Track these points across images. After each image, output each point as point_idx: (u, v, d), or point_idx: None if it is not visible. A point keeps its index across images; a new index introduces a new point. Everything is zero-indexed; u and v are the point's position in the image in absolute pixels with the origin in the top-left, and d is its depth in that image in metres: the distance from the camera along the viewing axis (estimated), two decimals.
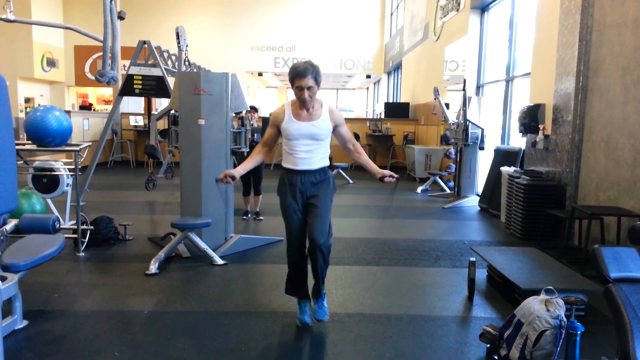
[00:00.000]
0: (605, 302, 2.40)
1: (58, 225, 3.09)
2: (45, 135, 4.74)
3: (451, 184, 9.34)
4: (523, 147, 6.76)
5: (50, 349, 2.89)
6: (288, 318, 3.41)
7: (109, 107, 16.43)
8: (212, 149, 4.78)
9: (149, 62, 5.97)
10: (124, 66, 5.96)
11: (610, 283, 2.36)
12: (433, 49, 11.41)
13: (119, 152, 13.22)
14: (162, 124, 7.93)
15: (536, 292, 2.95)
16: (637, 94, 4.53)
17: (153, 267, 4.28)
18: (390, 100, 17.61)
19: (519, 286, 3.47)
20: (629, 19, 4.68)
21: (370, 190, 9.27)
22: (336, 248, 5.16)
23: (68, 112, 11.07)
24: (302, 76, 2.98)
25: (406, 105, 13.84)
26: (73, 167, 4.91)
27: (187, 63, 6.85)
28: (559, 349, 2.73)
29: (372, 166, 3.28)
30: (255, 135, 6.02)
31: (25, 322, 3.19)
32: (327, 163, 3.21)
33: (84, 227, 4.95)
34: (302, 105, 3.07)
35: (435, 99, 9.07)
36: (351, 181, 10.28)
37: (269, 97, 28.69)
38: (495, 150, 7.69)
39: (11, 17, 4.48)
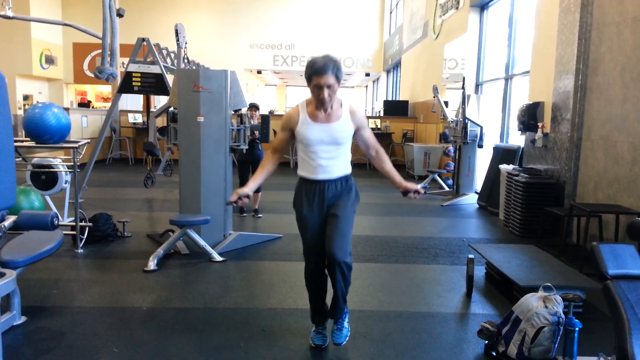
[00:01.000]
0: (603, 299, 2.41)
1: (57, 222, 3.08)
2: (43, 132, 4.73)
3: (450, 181, 9.35)
4: (522, 145, 6.76)
5: (49, 345, 2.89)
6: (286, 315, 3.41)
7: (108, 105, 16.42)
8: (211, 147, 4.78)
9: (148, 60, 5.95)
10: (123, 63, 5.95)
11: (609, 280, 2.37)
12: (432, 47, 11.41)
13: (118, 150, 13.20)
14: (161, 122, 7.92)
15: (534, 289, 2.96)
16: (636, 92, 4.54)
17: (152, 264, 4.29)
18: (390, 98, 17.62)
19: (518, 283, 3.48)
20: (628, 17, 4.68)
21: (370, 188, 9.27)
22: None
23: (67, 109, 11.04)
24: (321, 73, 2.57)
25: (405, 103, 13.84)
26: (72, 164, 4.91)
27: (186, 60, 6.83)
28: (556, 345, 2.74)
29: (396, 178, 2.89)
30: (256, 132, 6.02)
31: (24, 318, 3.19)
32: (349, 170, 2.86)
33: (83, 223, 4.95)
34: (320, 105, 2.70)
35: (434, 97, 9.07)
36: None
37: (268, 95, 28.68)
38: (494, 148, 7.70)
39: (10, 13, 4.48)
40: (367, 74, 19.29)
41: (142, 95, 11.72)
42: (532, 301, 2.81)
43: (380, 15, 17.90)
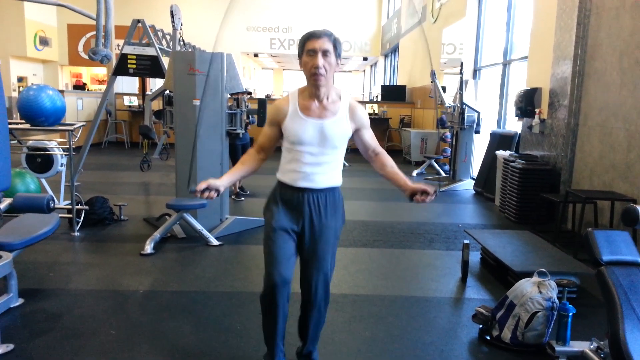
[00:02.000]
0: (597, 284, 2.43)
1: (52, 205, 3.09)
2: (38, 114, 4.69)
3: (447, 167, 9.37)
4: (519, 131, 6.76)
5: (46, 326, 2.91)
6: None
7: (103, 87, 16.27)
8: (207, 130, 4.75)
9: (143, 42, 5.88)
10: (118, 45, 5.87)
11: (602, 266, 2.39)
12: (430, 31, 11.33)
13: (114, 133, 13.13)
14: (157, 105, 7.88)
15: (529, 275, 2.98)
16: (634, 78, 4.53)
17: (148, 247, 4.29)
18: (387, 83, 17.54)
19: (512, 268, 3.51)
20: (627, 2, 4.64)
21: (366, 173, 9.27)
22: None
23: (62, 91, 10.96)
24: (316, 36, 2.16)
25: (403, 88, 13.78)
26: (67, 147, 4.88)
27: (181, 43, 6.76)
28: (550, 330, 2.77)
29: (401, 180, 2.35)
30: (251, 117, 5.98)
31: (21, 300, 3.20)
32: (339, 181, 2.35)
33: (79, 207, 4.94)
34: (314, 84, 2.17)
35: (431, 82, 9.03)
36: (347, 164, 10.28)
37: (264, 79, 28.50)
38: (491, 134, 7.70)
39: None
40: (365, 58, 19.16)
41: (137, 78, 11.63)
42: (526, 286, 2.83)
43: None
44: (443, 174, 9.15)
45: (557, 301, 2.74)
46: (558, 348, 2.65)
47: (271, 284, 2.20)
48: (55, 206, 3.22)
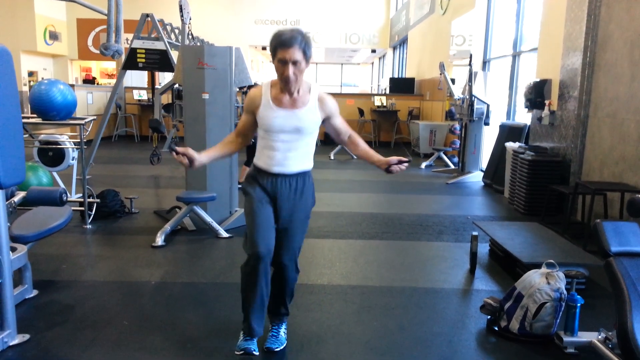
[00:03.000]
0: (605, 275, 2.44)
1: (65, 198, 3.13)
2: (50, 108, 4.75)
3: (455, 159, 9.34)
4: (528, 122, 6.72)
5: (60, 318, 2.97)
6: None
7: (113, 81, 16.37)
8: (216, 124, 4.78)
9: (152, 36, 5.92)
10: (127, 39, 5.91)
11: (611, 257, 2.40)
12: (439, 23, 11.25)
13: (123, 126, 13.22)
14: (166, 98, 7.92)
15: (537, 266, 2.99)
16: None
17: (159, 240, 4.34)
18: (396, 76, 17.46)
19: (521, 260, 3.51)
20: None
21: (372, 166, 9.28)
22: (340, 222, 5.21)
23: (72, 85, 11.04)
24: (287, 45, 2.28)
25: (411, 80, 13.72)
26: (78, 140, 4.94)
27: (190, 36, 6.78)
28: (558, 320, 2.78)
29: (374, 156, 2.59)
30: None
31: (35, 292, 3.26)
32: (309, 166, 2.54)
33: (91, 200, 5.01)
34: (285, 86, 2.38)
35: (440, 74, 8.99)
36: (355, 156, 10.27)
37: (272, 72, 28.46)
38: (500, 125, 7.66)
39: None
40: (373, 51, 19.07)
41: (146, 72, 11.69)
42: (534, 277, 2.84)
43: None
44: (452, 166, 9.12)
45: (565, 292, 2.75)
46: (566, 339, 2.66)
47: (256, 251, 2.38)
48: (68, 199, 3.27)
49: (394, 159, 2.49)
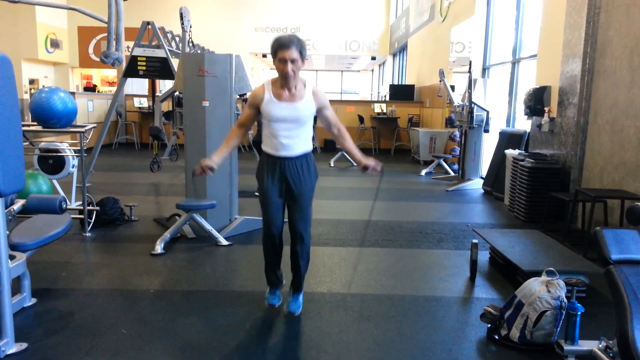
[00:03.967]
0: (606, 283, 2.42)
1: (65, 206, 3.13)
2: (50, 116, 4.75)
3: (455, 166, 9.34)
4: (528, 129, 6.73)
5: (59, 325, 2.95)
6: None
7: (113, 89, 16.41)
8: (216, 131, 4.78)
9: (153, 43, 5.94)
10: (128, 47, 5.93)
11: (611, 265, 2.39)
12: (439, 30, 11.30)
13: (124, 134, 13.24)
14: (167, 106, 7.93)
15: (538, 274, 2.98)
16: None
17: (159, 248, 4.34)
18: (395, 83, 17.51)
19: (521, 268, 3.50)
20: None
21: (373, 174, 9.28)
22: (340, 230, 5.20)
23: (72, 93, 11.07)
24: (285, 47, 2.72)
25: (411, 87, 13.75)
26: (78, 148, 4.94)
27: (191, 44, 6.81)
28: (559, 329, 2.77)
29: (356, 154, 3.05)
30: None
31: (34, 300, 3.25)
32: (310, 147, 3.02)
33: (90, 207, 5.00)
34: (284, 82, 2.83)
35: (440, 81, 9.01)
36: (355, 164, 10.27)
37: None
38: (500, 132, 7.67)
39: None
40: (373, 58, 19.14)
41: (147, 80, 11.73)
42: (535, 285, 2.83)
43: None
44: (452, 173, 9.12)
45: (565, 300, 2.74)
46: (567, 347, 2.65)
47: (269, 229, 3.01)
48: (67, 207, 3.27)
49: (370, 163, 2.99)
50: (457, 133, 9.41)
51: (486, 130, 7.91)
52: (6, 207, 2.81)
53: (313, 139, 3.10)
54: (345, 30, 17.45)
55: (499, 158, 7.31)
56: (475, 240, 3.95)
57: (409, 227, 5.42)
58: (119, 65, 5.28)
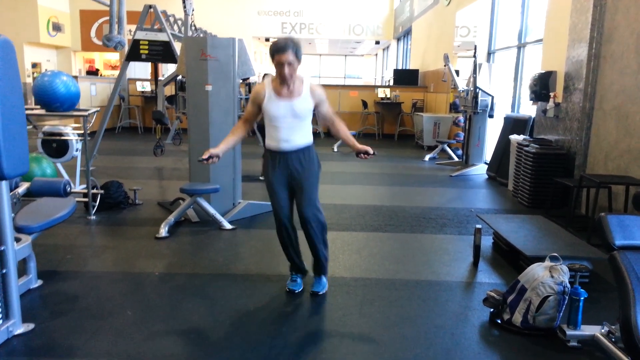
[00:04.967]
0: (610, 269, 2.43)
1: (69, 189, 3.15)
2: (53, 100, 4.75)
3: (459, 152, 9.31)
4: (533, 115, 6.69)
5: (64, 307, 2.98)
6: None
7: (116, 73, 16.35)
8: (219, 115, 4.77)
9: (155, 27, 5.90)
10: (130, 31, 5.89)
11: (615, 250, 2.38)
12: (444, 14, 11.18)
13: (127, 118, 13.23)
14: (170, 90, 7.90)
15: (541, 259, 2.98)
16: None
17: (163, 231, 4.36)
18: (399, 67, 17.38)
19: (524, 253, 3.50)
20: None
21: (378, 158, 9.26)
22: (343, 215, 5.21)
23: (75, 77, 11.03)
24: (282, 51, 2.90)
25: (415, 72, 13.65)
26: (82, 132, 4.94)
27: (193, 28, 6.76)
28: (561, 314, 2.78)
29: (351, 141, 3.20)
30: None
31: (39, 282, 3.28)
32: (310, 140, 3.17)
33: (95, 191, 5.02)
34: (282, 82, 3.00)
35: (445, 65, 8.94)
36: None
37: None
38: (505, 118, 7.62)
39: None
40: (377, 42, 18.98)
41: (149, 64, 11.67)
42: (538, 271, 2.84)
43: None
44: (456, 159, 9.10)
45: (568, 285, 2.75)
46: (569, 332, 2.66)
47: (279, 219, 3.17)
48: (72, 190, 3.28)
49: (362, 148, 3.14)
50: (461, 118, 9.36)
51: (491, 116, 7.87)
52: (11, 190, 2.82)
53: (315, 124, 3.24)
54: (348, 14, 17.28)
55: (503, 143, 7.28)
56: (478, 226, 3.95)
57: (412, 212, 5.43)
58: (121, 48, 5.26)
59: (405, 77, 13.72)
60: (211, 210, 4.66)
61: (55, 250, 3.96)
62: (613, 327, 2.51)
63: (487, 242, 4.35)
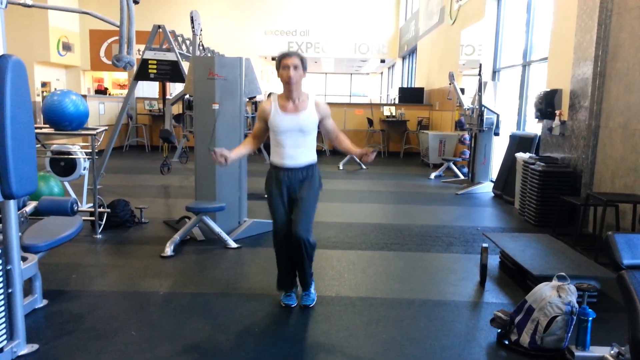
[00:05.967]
0: (618, 289, 2.40)
1: (76, 208, 3.17)
2: (62, 119, 4.80)
3: (465, 170, 9.30)
4: (539, 133, 6.68)
5: (69, 327, 2.98)
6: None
7: (124, 92, 16.54)
8: (226, 134, 4.81)
9: (164, 47, 5.99)
10: (139, 50, 5.99)
11: (623, 270, 2.36)
12: (449, 33, 11.27)
13: (134, 137, 13.33)
14: (177, 109, 7.98)
15: (548, 279, 2.96)
16: None
17: (168, 250, 4.36)
18: (405, 85, 17.47)
19: (531, 272, 3.47)
20: None
21: (383, 176, 9.27)
22: (349, 233, 5.20)
23: (84, 96, 11.16)
24: (288, 56, 3.02)
25: (421, 90, 13.72)
26: (90, 150, 4.99)
27: (201, 47, 6.85)
28: (569, 334, 2.74)
29: (353, 149, 3.24)
30: None
31: (45, 302, 3.28)
32: (314, 159, 3.20)
33: (101, 209, 5.04)
34: (288, 91, 3.06)
35: (450, 84, 8.98)
36: (364, 167, 10.27)
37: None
38: (510, 136, 7.62)
39: (29, 1, 4.52)
40: (382, 61, 19.11)
41: (157, 83, 11.80)
42: (545, 290, 2.81)
43: (396, 0, 17.69)
44: (462, 177, 9.08)
45: (576, 305, 2.71)
46: (577, 353, 2.62)
47: (277, 235, 3.22)
48: (79, 209, 3.30)
49: (365, 150, 3.08)
50: (467, 136, 9.36)
51: (496, 134, 7.87)
52: (19, 209, 2.84)
53: (321, 141, 3.28)
54: (354, 33, 17.45)
55: (509, 161, 7.27)
56: (485, 244, 3.93)
57: (418, 230, 5.40)
58: (130, 68, 5.32)
59: (410, 95, 13.79)
60: (217, 228, 4.67)
61: (61, 269, 3.97)
62: (622, 348, 2.47)
63: (493, 261, 4.32)
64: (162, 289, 3.61)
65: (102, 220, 5.03)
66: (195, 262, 4.26)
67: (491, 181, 8.03)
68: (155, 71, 5.89)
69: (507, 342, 2.87)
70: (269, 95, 6.20)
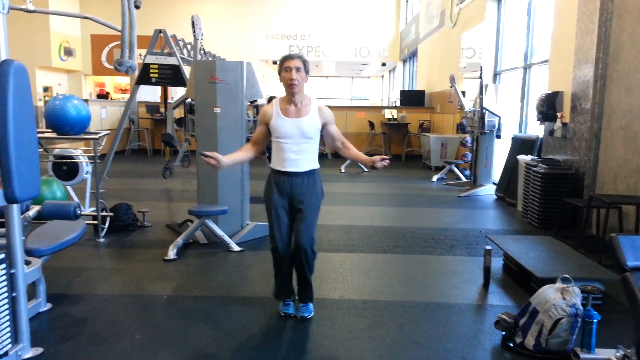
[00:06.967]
0: (622, 290, 2.39)
1: (79, 212, 3.16)
2: (64, 123, 4.81)
3: (467, 172, 9.29)
4: (541, 135, 6.68)
5: (73, 331, 2.98)
6: None
7: (126, 96, 16.58)
8: (227, 137, 4.81)
9: (165, 51, 5.99)
10: (140, 55, 6.00)
11: (628, 271, 2.35)
12: (449, 36, 11.29)
13: (136, 141, 13.35)
14: (179, 113, 7.98)
15: (552, 281, 2.95)
16: None
17: (171, 253, 4.36)
18: (406, 88, 17.49)
19: (535, 275, 3.46)
20: None
21: (385, 179, 9.26)
22: (351, 236, 5.19)
23: (86, 100, 11.19)
24: (290, 58, 2.98)
25: (422, 93, 13.73)
26: (92, 154, 4.99)
27: (202, 52, 6.86)
28: (574, 337, 2.73)
29: (362, 158, 3.16)
30: None
31: (48, 305, 3.28)
32: (316, 165, 3.13)
33: (104, 213, 5.04)
34: (290, 95, 2.99)
35: (451, 86, 8.99)
36: (366, 170, 10.27)
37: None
38: (512, 138, 7.62)
39: (31, 7, 4.53)
40: (383, 64, 19.15)
41: (159, 87, 11.83)
42: (549, 292, 2.80)
43: (396, 3, 17.74)
44: (464, 179, 9.07)
45: (581, 308, 2.71)
46: (583, 355, 2.62)
47: (275, 245, 3.10)
48: (81, 213, 3.30)
49: (377, 158, 2.96)
50: (468, 139, 9.36)
51: (498, 136, 7.86)
52: (22, 213, 2.84)
53: (323, 145, 3.24)
54: (355, 37, 17.49)
55: (511, 164, 7.27)
56: (488, 247, 3.92)
57: (421, 233, 5.40)
58: (132, 73, 5.33)
59: (411, 98, 13.80)
60: (219, 232, 4.67)
61: (65, 272, 3.97)
62: (628, 350, 2.46)
63: (497, 263, 4.31)
64: (165, 293, 3.61)
65: (104, 224, 5.03)
66: (198, 265, 4.26)
67: (493, 183, 8.02)
68: (156, 75, 5.89)
69: (511, 345, 2.87)
70: (270, 99, 6.21)
